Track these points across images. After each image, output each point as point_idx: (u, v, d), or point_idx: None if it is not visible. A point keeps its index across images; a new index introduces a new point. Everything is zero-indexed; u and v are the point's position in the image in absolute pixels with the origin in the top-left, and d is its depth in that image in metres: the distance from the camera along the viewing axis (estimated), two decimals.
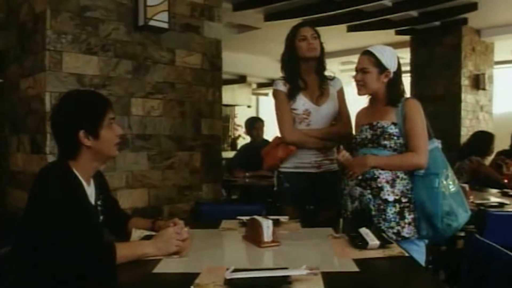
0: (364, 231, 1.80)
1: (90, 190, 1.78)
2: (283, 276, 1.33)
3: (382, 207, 2.16)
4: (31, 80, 2.79)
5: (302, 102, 2.59)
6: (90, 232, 1.62)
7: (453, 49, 6.45)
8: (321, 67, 2.64)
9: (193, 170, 3.31)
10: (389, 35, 6.76)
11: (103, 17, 2.86)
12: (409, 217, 2.16)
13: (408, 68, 6.96)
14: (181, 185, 3.25)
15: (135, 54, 3.01)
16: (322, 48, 2.64)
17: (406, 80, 7.07)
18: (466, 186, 3.33)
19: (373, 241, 1.73)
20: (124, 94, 2.95)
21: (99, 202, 1.82)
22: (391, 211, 2.15)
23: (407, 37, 6.84)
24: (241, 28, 6.98)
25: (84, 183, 1.73)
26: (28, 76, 2.82)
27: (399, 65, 2.28)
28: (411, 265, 1.55)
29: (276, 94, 2.65)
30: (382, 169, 2.18)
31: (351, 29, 6.62)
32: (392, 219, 2.15)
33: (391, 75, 2.24)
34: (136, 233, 1.87)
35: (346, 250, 1.71)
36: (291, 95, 2.59)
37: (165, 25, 3.01)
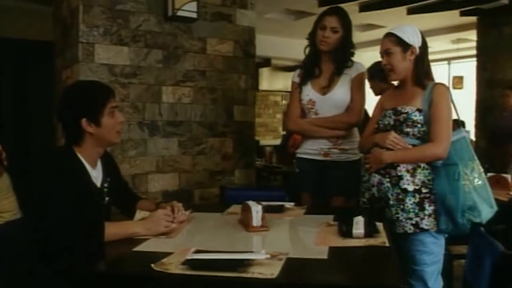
0: (357, 219, 1.78)
1: (96, 173, 1.91)
2: (241, 259, 1.37)
3: (400, 196, 2.10)
4: (69, 71, 3.01)
5: (306, 92, 2.61)
6: (85, 211, 1.75)
7: None
8: (340, 56, 2.58)
9: (225, 155, 3.40)
10: (454, 16, 6.41)
11: (134, 9, 3.00)
12: (429, 208, 2.08)
13: (475, 52, 6.58)
14: (213, 170, 3.35)
15: (166, 44, 3.13)
16: (345, 37, 2.56)
17: (473, 64, 6.70)
18: (509, 176, 3.15)
19: (358, 230, 1.72)
20: (154, 83, 3.10)
21: (105, 185, 1.95)
22: (410, 201, 2.09)
23: (473, 18, 6.43)
24: (298, 14, 6.94)
25: (89, 167, 1.87)
26: (68, 67, 3.04)
27: (424, 42, 2.18)
28: (383, 255, 1.52)
29: (291, 85, 2.73)
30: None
31: (411, 11, 6.34)
32: (411, 210, 2.08)
33: (417, 51, 2.14)
34: (140, 214, 1.98)
35: (329, 238, 1.71)
36: (301, 85, 2.62)
37: (194, 15, 3.10)
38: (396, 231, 2.07)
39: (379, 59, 2.27)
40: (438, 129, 2.08)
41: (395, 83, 2.33)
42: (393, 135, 2.12)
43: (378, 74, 2.90)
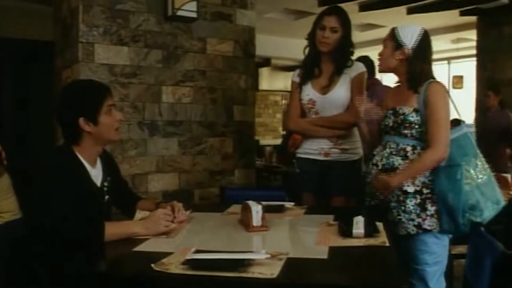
0: (357, 219, 1.78)
1: (96, 172, 1.91)
2: (241, 259, 1.37)
3: (401, 198, 2.08)
4: (69, 71, 3.01)
5: (306, 92, 2.60)
6: (85, 210, 1.75)
7: None
8: (340, 56, 2.57)
9: (225, 155, 3.40)
10: (453, 16, 6.41)
11: (133, 9, 3.00)
12: (431, 208, 2.06)
13: (474, 51, 6.58)
14: (213, 170, 3.35)
15: (166, 44, 3.13)
16: (345, 37, 2.55)
17: (473, 64, 6.70)
18: (509, 176, 3.15)
19: (358, 229, 1.72)
20: (154, 82, 3.10)
21: (105, 183, 1.95)
22: (411, 202, 2.07)
23: (473, 18, 6.43)
24: (298, 14, 6.95)
25: (88, 166, 1.86)
26: (68, 67, 3.04)
27: (423, 44, 2.12)
28: (383, 255, 1.52)
29: (291, 84, 2.73)
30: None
31: (411, 11, 6.34)
32: (412, 211, 2.06)
33: (408, 51, 2.11)
34: (140, 214, 1.97)
35: (329, 238, 1.71)
36: (301, 85, 2.62)
37: (194, 15, 3.10)
38: (399, 233, 2.07)
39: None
40: (435, 131, 2.04)
41: (387, 79, 2.34)
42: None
43: None
